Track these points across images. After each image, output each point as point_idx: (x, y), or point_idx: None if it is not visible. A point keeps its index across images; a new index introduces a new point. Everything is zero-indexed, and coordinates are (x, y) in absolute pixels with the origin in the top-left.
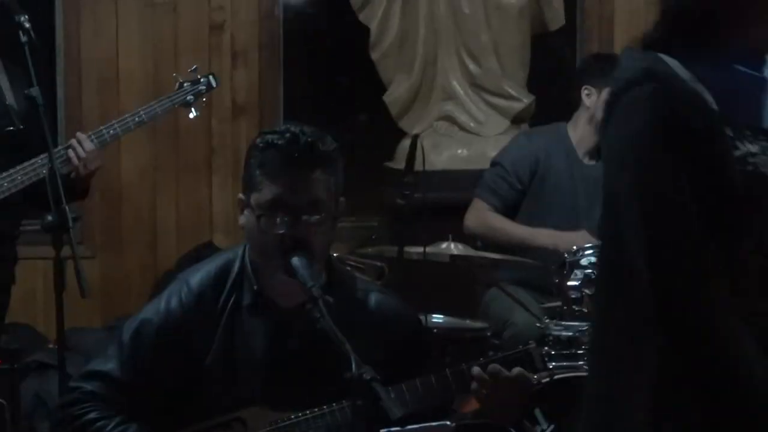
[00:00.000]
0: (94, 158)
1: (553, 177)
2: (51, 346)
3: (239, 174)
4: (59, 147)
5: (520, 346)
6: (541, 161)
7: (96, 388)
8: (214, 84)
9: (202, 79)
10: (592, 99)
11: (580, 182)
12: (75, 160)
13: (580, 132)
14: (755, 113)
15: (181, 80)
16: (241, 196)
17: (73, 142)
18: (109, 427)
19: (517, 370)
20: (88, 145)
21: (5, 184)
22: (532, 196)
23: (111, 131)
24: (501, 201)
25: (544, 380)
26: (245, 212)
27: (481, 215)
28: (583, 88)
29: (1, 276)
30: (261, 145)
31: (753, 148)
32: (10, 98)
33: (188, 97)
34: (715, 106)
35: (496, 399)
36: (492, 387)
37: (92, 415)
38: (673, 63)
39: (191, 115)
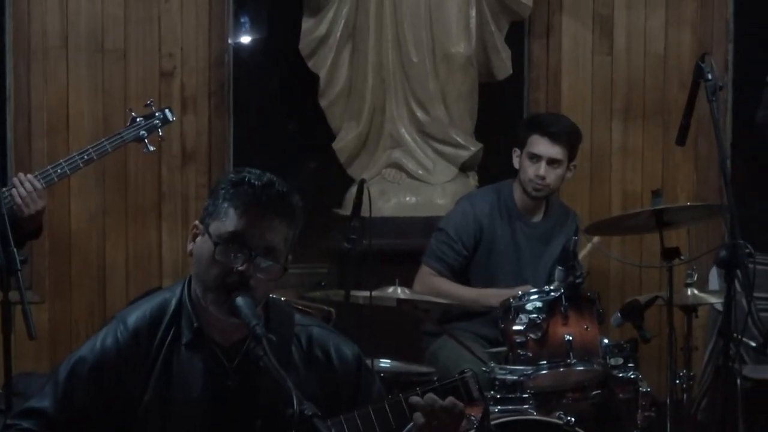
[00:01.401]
0: (37, 198)
1: (497, 243)
2: None
3: (189, 220)
4: (2, 189)
5: (456, 375)
6: (485, 228)
7: (32, 425)
8: (170, 117)
9: (157, 113)
10: (517, 161)
11: (524, 243)
12: (17, 199)
13: (518, 193)
14: None
15: (134, 114)
16: (197, 223)
17: (15, 180)
18: None
19: (449, 399)
20: (28, 186)
21: None
22: (479, 262)
23: (59, 170)
24: (447, 267)
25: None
26: (198, 240)
27: (428, 281)
28: (513, 150)
29: None
30: (235, 179)
31: None
32: None
33: (141, 132)
34: None
35: (433, 428)
36: (429, 415)
37: None
38: None
39: (145, 150)
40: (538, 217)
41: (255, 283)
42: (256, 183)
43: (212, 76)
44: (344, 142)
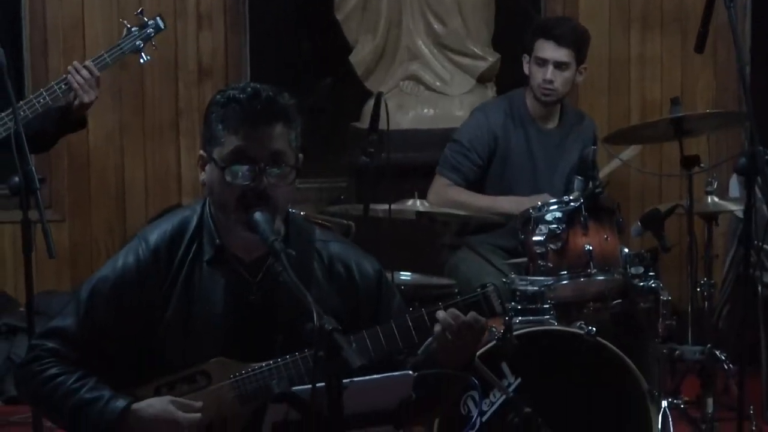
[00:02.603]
0: (94, 85)
1: (512, 153)
2: (21, 309)
3: None
4: (54, 82)
5: (478, 289)
6: (500, 138)
7: (56, 344)
8: (162, 26)
9: (149, 22)
10: (526, 67)
11: (539, 151)
12: (75, 85)
13: (530, 100)
14: None
15: (129, 25)
16: (201, 152)
17: (70, 68)
18: (69, 382)
19: (471, 314)
20: (86, 73)
21: None
22: (494, 173)
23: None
24: (462, 177)
25: (504, 333)
26: (207, 168)
27: (443, 191)
28: (523, 57)
29: None
30: (222, 100)
31: None
32: None
33: (137, 42)
34: None
35: (456, 344)
36: (451, 331)
37: (52, 371)
38: None
39: (141, 60)
40: (552, 124)
41: (272, 192)
42: (242, 96)
43: None
44: (361, 55)
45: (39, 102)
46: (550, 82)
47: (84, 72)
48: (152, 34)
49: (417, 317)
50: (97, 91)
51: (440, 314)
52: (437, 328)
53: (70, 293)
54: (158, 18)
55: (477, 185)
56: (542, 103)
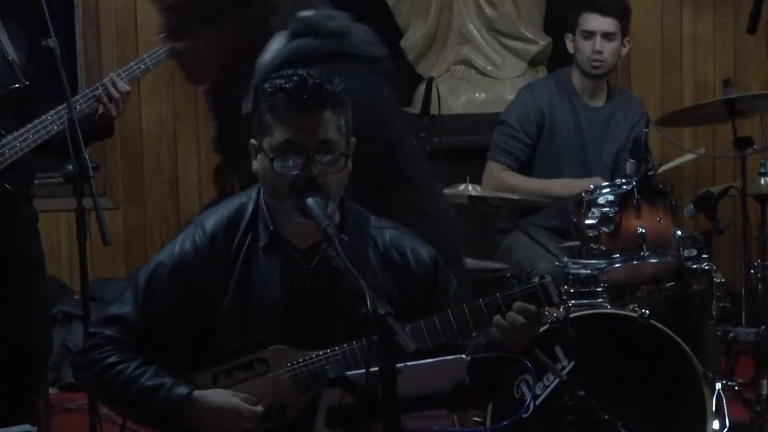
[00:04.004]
0: (126, 99)
1: (559, 129)
2: (76, 296)
3: None
4: (89, 89)
5: (536, 280)
6: (546, 114)
7: (114, 332)
8: None
9: None
10: (571, 45)
11: (587, 127)
12: (105, 99)
13: (576, 77)
14: None
15: None
16: (252, 141)
17: (107, 82)
18: (129, 369)
19: (533, 309)
20: (122, 86)
21: (18, 144)
22: (543, 150)
23: (141, 66)
24: (514, 159)
25: (560, 317)
26: (258, 157)
27: (496, 176)
28: (566, 36)
29: (28, 236)
30: (270, 89)
31: None
32: (11, 53)
33: None
34: None
35: (513, 336)
36: (509, 331)
37: (112, 359)
38: None
39: None
40: (599, 102)
41: (323, 179)
42: (289, 86)
43: None
44: (412, 39)
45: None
46: (600, 53)
47: (121, 86)
48: None
49: (475, 308)
50: (124, 107)
51: (496, 319)
52: (496, 322)
53: (126, 280)
54: None
55: (528, 162)
56: (592, 76)
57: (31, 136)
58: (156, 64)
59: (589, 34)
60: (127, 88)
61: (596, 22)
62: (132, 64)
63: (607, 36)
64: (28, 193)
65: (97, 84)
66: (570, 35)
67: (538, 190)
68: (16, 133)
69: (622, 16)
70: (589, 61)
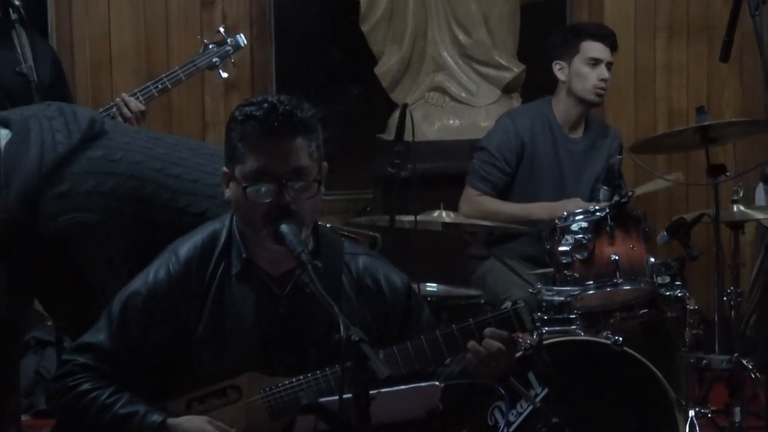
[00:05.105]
0: (141, 118)
1: (539, 159)
2: (49, 323)
3: None
4: (102, 108)
5: (508, 305)
6: (527, 144)
7: (88, 359)
8: (242, 43)
9: (229, 39)
10: (565, 72)
11: (566, 158)
12: (120, 119)
13: (562, 106)
14: None
15: (206, 41)
16: (225, 169)
17: (119, 102)
18: (103, 397)
19: (501, 340)
20: (136, 105)
21: None
22: (521, 179)
23: (159, 85)
24: (492, 186)
25: (533, 344)
26: (230, 185)
27: (474, 201)
28: (554, 63)
29: None
30: (240, 117)
31: None
32: (33, 75)
33: (214, 59)
34: None
35: (489, 364)
36: (485, 358)
37: (85, 386)
38: None
39: (224, 75)
40: (578, 133)
41: (296, 206)
42: (259, 114)
43: (253, 3)
44: (387, 66)
45: None
46: (606, 80)
47: (133, 105)
48: (231, 52)
49: (447, 333)
50: (140, 126)
51: (472, 344)
52: (469, 352)
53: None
54: (239, 35)
55: (506, 191)
56: (593, 104)
57: None
58: (174, 84)
59: (596, 62)
60: (142, 107)
61: (601, 51)
62: (149, 83)
63: (609, 66)
64: None
65: (111, 104)
66: (561, 63)
67: (518, 214)
68: None
69: (616, 49)
70: (594, 89)
